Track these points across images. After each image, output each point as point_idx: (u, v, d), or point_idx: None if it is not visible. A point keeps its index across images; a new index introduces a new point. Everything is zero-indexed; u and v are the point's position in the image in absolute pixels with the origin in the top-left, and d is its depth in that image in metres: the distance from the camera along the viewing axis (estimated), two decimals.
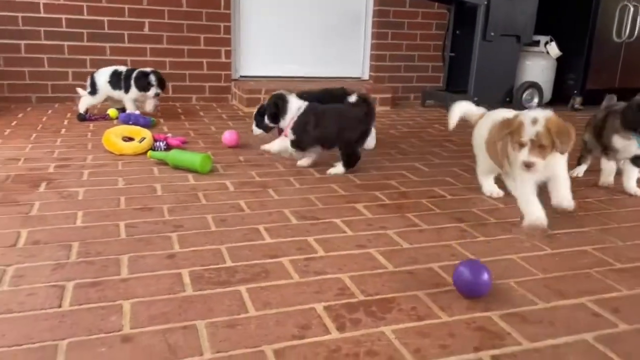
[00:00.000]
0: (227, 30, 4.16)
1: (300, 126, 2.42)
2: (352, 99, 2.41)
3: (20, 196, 1.95)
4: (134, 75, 3.33)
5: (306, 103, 2.49)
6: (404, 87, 4.72)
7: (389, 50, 4.60)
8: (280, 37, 4.42)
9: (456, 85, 4.38)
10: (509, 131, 1.74)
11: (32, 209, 1.83)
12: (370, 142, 2.78)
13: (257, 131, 2.72)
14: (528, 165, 1.68)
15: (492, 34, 4.00)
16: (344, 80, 4.56)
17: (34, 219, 1.75)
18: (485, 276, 1.32)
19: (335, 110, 2.45)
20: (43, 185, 2.09)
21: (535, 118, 1.68)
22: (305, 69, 4.51)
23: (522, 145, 1.70)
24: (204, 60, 4.18)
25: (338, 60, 4.62)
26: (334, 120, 2.39)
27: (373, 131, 2.79)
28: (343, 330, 1.19)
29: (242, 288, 1.35)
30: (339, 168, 2.41)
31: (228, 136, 2.83)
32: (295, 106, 2.46)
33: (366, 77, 4.69)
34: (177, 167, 2.37)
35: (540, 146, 1.68)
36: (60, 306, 1.24)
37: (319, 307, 1.28)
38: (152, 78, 3.30)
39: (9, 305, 1.23)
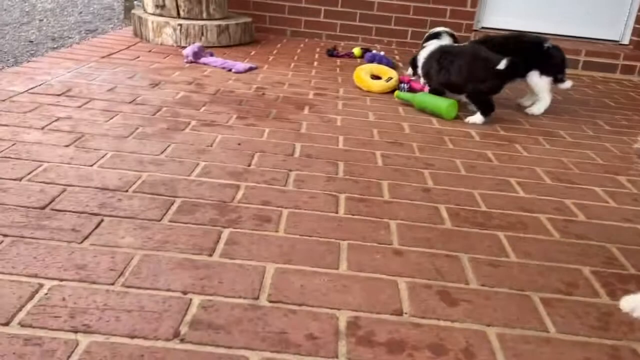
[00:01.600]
0: None
1: (424, 69, 2.53)
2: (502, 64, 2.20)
3: (290, 115, 2.22)
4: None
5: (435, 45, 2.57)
6: None
7: None
8: None
9: None
10: None
11: (301, 127, 2.07)
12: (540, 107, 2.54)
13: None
14: None
15: None
16: (598, 43, 4.08)
17: (304, 136, 1.98)
18: None
19: (467, 53, 2.38)
20: (306, 108, 2.33)
21: None
22: (552, 27, 4.12)
23: None
24: (448, 8, 4.09)
25: (592, 20, 4.11)
26: (463, 66, 2.33)
27: (547, 98, 2.52)
28: (614, 297, 1.13)
29: (500, 234, 1.37)
30: (477, 117, 2.34)
31: None
32: (425, 53, 2.55)
33: (626, 41, 4.11)
34: (421, 110, 2.43)
35: None
36: (337, 212, 1.41)
37: (585, 269, 1.23)
38: None
39: (297, 202, 1.44)
